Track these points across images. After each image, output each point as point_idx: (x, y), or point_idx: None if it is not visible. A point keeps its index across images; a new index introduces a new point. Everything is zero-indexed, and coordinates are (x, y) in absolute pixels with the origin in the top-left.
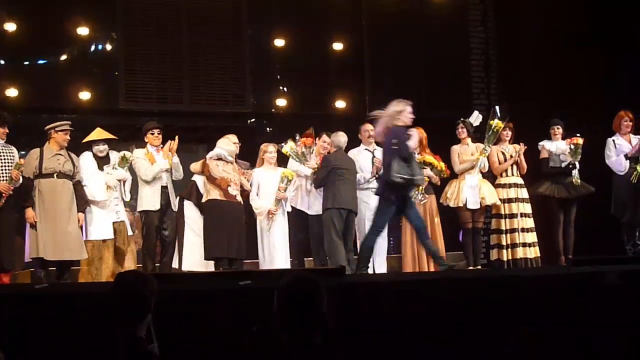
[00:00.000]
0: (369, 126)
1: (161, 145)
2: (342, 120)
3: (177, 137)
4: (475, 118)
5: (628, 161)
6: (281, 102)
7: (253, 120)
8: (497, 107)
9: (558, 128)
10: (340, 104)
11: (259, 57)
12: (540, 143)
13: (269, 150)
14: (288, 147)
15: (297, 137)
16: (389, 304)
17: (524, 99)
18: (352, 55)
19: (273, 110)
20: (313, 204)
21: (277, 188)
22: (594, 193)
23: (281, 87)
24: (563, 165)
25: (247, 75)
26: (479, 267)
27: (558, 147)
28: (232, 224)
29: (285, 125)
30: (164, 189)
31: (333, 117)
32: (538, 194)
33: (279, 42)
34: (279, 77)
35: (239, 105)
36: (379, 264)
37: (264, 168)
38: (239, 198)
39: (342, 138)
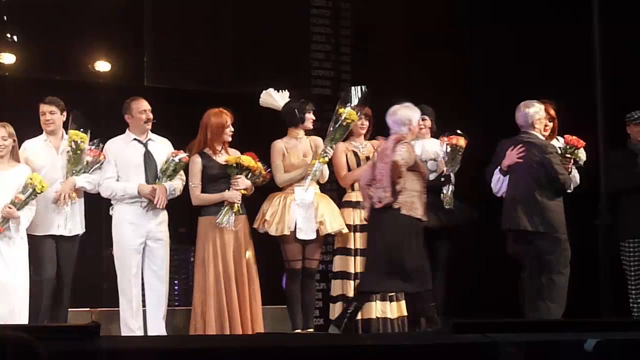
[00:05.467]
0: (144, 103)
1: None
2: (106, 90)
3: None
4: (271, 95)
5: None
6: (7, 59)
7: None
8: (351, 90)
9: (424, 119)
10: (102, 65)
11: None
12: None
13: None
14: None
15: None
16: None
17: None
18: None
19: None
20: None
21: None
22: (477, 221)
23: (9, 35)
24: (432, 177)
25: None
26: (311, 329)
27: (425, 148)
28: None
29: (11, 95)
30: None
31: (91, 85)
32: None
33: None
34: (5, 19)
35: None
36: (154, 322)
37: None
38: None
39: None
